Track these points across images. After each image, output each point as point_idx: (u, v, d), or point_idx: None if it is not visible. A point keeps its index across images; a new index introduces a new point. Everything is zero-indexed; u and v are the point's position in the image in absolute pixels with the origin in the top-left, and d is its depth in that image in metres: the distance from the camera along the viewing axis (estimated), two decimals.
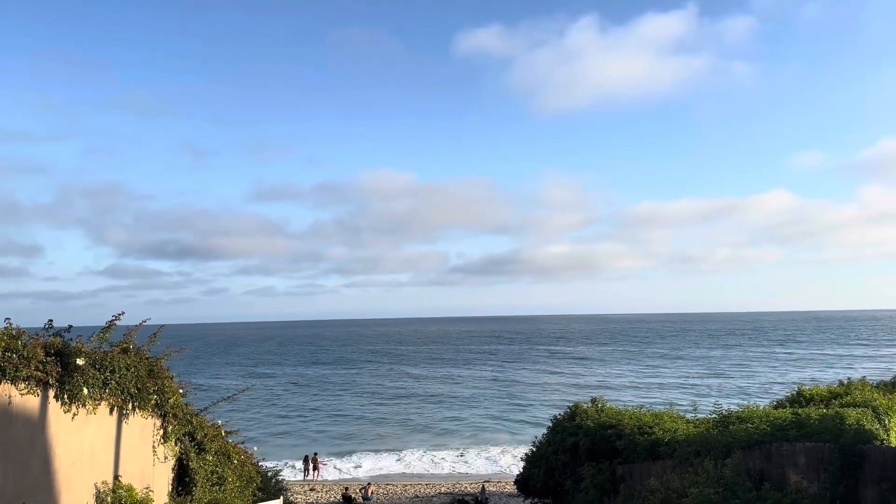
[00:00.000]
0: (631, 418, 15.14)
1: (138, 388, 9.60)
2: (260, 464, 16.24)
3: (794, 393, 16.42)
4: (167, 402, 10.82)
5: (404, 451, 40.80)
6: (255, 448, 16.56)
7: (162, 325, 10.81)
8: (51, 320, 8.02)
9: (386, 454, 40.43)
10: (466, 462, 38.19)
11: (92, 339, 8.78)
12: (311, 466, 35.18)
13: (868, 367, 73.36)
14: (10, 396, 6.93)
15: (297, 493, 27.93)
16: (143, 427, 10.37)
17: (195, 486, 11.74)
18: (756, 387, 65.73)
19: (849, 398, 14.11)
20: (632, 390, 64.60)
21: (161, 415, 10.95)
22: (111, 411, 9.16)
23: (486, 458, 38.71)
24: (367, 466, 37.56)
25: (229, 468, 13.29)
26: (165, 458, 11.25)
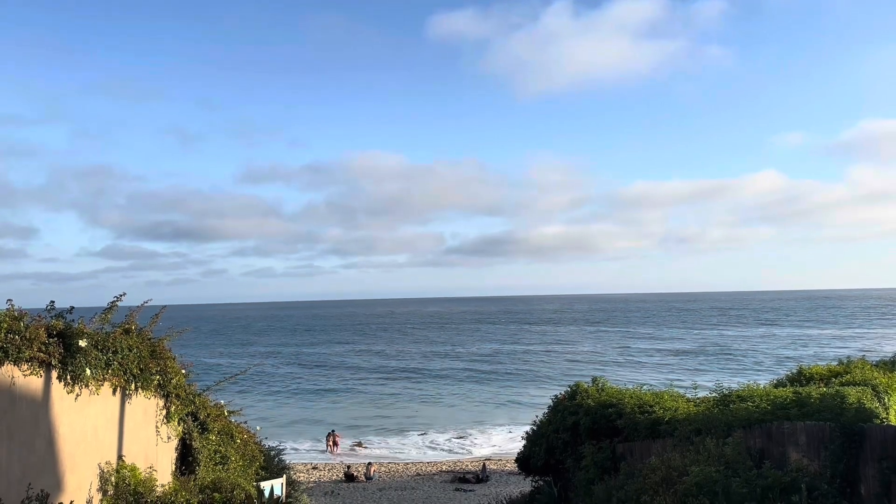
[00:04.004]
0: (631, 397, 15.19)
1: (141, 369, 9.62)
2: (262, 443, 16.33)
3: (795, 372, 16.50)
4: (170, 382, 10.85)
5: (405, 431, 41.11)
6: (258, 428, 16.66)
7: (164, 306, 10.78)
8: (52, 301, 7.99)
9: (387, 433, 40.75)
10: (467, 441, 38.50)
11: (94, 320, 8.76)
12: (331, 443, 36.01)
13: (863, 345, 73.81)
14: (13, 377, 6.93)
15: (300, 472, 28.16)
16: (145, 407, 10.41)
17: (198, 465, 11.82)
18: (755, 365, 66.12)
19: (849, 377, 14.18)
20: (631, 370, 64.96)
21: (164, 395, 10.98)
22: (114, 392, 9.18)
23: (487, 438, 39.03)
24: (368, 445, 37.87)
25: (232, 448, 13.37)
26: (168, 438, 11.30)
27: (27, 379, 7.15)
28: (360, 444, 37.45)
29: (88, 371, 8.05)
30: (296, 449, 35.70)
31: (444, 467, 31.13)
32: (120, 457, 9.34)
